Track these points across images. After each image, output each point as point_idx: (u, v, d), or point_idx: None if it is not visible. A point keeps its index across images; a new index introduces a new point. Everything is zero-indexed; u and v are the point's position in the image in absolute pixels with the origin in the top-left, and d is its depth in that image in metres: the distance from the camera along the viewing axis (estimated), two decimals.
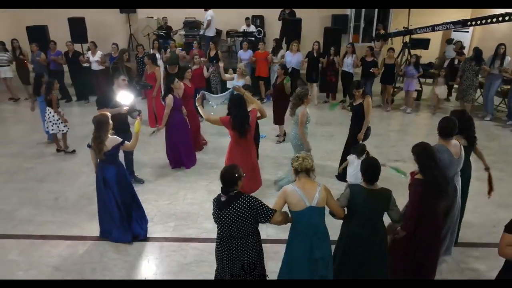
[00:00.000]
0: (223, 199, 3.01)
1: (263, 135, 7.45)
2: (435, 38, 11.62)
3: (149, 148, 6.80)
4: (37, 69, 8.67)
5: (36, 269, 3.97)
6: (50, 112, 6.45)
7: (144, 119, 7.47)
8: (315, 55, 9.29)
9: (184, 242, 4.44)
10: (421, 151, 3.36)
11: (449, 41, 10.47)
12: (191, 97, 6.45)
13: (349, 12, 12.45)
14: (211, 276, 3.43)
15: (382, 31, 11.15)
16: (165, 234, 4.58)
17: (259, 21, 12.31)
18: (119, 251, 4.26)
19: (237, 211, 2.93)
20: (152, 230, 4.63)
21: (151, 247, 4.35)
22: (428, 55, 11.50)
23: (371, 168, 3.23)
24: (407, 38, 9.99)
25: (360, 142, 5.36)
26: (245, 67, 6.83)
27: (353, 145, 5.60)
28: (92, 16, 11.29)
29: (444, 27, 8.85)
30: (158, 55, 8.23)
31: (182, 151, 6.12)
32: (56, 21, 10.67)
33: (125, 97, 5.02)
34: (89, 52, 9.06)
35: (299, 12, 11.40)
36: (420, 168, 3.39)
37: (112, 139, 4.15)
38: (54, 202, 5.24)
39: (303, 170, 3.14)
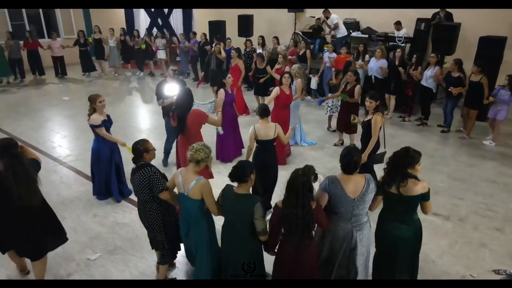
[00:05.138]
0: (134, 167, 3.66)
1: (312, 142, 7.14)
2: None
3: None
4: (181, 53, 10.89)
5: (49, 187, 5.64)
6: None
7: None
8: (396, 63, 7.65)
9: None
10: (299, 181, 2.89)
11: None
12: (286, 106, 6.17)
13: None
14: (121, 238, 4.47)
15: None
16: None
17: (423, 24, 10.67)
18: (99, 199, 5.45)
19: (138, 179, 3.46)
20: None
21: (116, 204, 5.30)
22: None
23: (235, 167, 3.16)
24: None
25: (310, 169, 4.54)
26: (299, 69, 6.60)
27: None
28: (264, 14, 12.82)
29: None
30: (260, 51, 8.80)
31: (224, 145, 6.36)
32: (232, 17, 12.70)
33: (171, 89, 5.68)
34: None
35: (462, 15, 9.26)
36: (284, 197, 3.00)
37: (95, 118, 4.94)
38: None
39: (193, 161, 3.32)
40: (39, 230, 3.65)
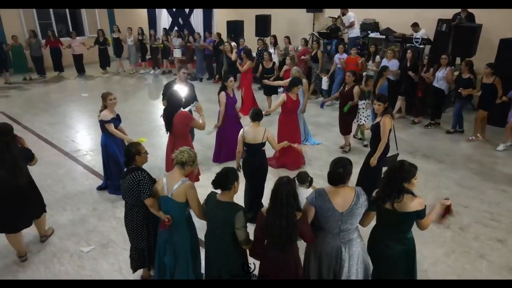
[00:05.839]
0: (125, 170, 3.68)
1: (316, 141, 7.06)
2: None
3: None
4: (196, 52, 11.10)
5: (55, 179, 5.87)
6: None
7: None
8: (408, 64, 7.44)
9: None
10: (283, 190, 2.84)
11: None
12: (293, 112, 6.08)
13: None
14: (115, 232, 4.64)
15: None
16: None
17: (445, 25, 10.31)
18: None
19: (128, 182, 3.43)
20: None
21: (117, 199, 5.34)
22: None
23: (218, 174, 3.14)
24: None
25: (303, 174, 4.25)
26: (298, 72, 6.54)
27: (366, 171, 4.87)
28: (282, 14, 12.79)
29: None
30: (272, 50, 8.78)
31: (223, 147, 6.29)
32: (251, 17, 12.71)
33: (179, 91, 5.56)
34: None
35: (485, 16, 8.87)
36: (268, 206, 2.94)
37: (105, 114, 5.10)
38: None
39: (178, 162, 3.31)
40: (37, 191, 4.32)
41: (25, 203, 4.07)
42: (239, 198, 4.19)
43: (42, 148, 7.06)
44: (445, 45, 9.89)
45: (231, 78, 6.16)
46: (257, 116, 4.57)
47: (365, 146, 6.83)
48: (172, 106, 4.76)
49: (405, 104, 8.31)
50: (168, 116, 4.75)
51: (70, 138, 7.69)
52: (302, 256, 3.22)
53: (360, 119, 6.76)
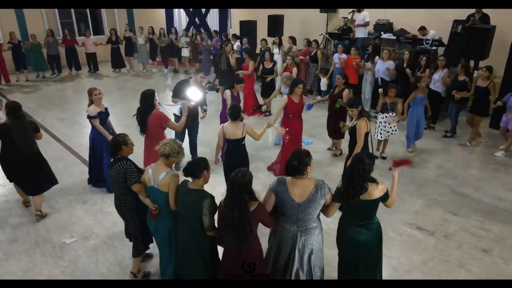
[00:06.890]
0: (112, 160, 3.81)
1: (309, 141, 6.98)
2: None
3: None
4: (203, 51, 11.22)
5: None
6: None
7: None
8: (404, 65, 7.22)
9: None
10: (235, 182, 2.91)
11: None
12: (295, 116, 5.68)
13: None
14: (99, 225, 4.83)
15: None
16: None
17: (460, 27, 9.94)
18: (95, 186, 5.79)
19: (115, 171, 3.58)
20: None
21: (108, 194, 5.52)
22: None
23: (189, 163, 3.25)
24: None
25: None
26: (289, 79, 6.35)
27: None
28: (296, 14, 12.74)
29: None
30: (276, 50, 8.76)
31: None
32: (264, 17, 12.71)
33: (194, 94, 5.53)
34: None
35: (502, 17, 8.49)
36: (225, 196, 3.03)
37: (91, 110, 5.26)
38: None
39: (162, 155, 3.43)
40: (37, 174, 4.82)
41: (37, 170, 4.81)
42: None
43: (47, 142, 7.31)
44: (460, 47, 9.57)
45: (242, 85, 6.23)
46: (234, 117, 4.54)
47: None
48: (145, 106, 4.72)
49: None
50: (142, 116, 4.72)
51: (75, 134, 7.95)
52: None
53: (381, 133, 6.30)
